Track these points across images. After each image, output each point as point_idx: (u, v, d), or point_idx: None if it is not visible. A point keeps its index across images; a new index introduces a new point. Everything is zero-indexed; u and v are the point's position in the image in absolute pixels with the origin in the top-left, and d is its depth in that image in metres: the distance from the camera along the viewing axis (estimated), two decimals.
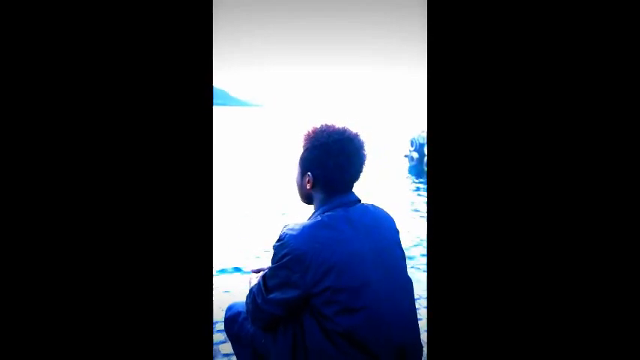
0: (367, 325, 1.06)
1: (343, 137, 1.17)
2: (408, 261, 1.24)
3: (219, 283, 2.69)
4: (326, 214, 1.16)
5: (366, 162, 1.22)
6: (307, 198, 1.27)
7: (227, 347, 1.75)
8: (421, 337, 1.23)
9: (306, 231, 1.10)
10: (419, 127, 10.11)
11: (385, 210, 1.26)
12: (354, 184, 1.24)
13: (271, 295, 1.14)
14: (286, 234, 1.11)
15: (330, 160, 1.16)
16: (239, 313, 1.39)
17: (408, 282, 1.20)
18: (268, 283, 1.15)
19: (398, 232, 1.24)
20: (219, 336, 1.88)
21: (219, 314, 1.70)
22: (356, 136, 1.20)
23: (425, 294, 2.54)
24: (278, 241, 1.13)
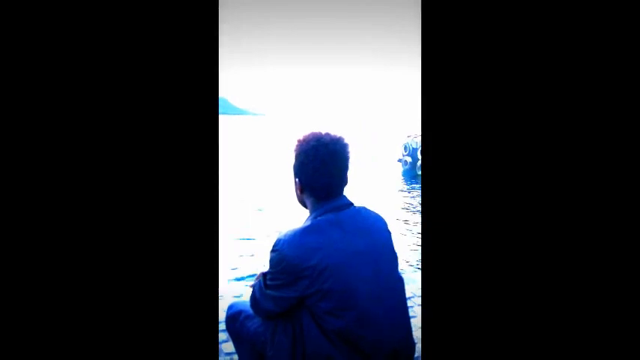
0: (357, 326, 1.11)
1: (319, 143, 1.22)
2: (402, 262, 1.28)
3: (225, 290, 2.71)
4: (317, 218, 1.21)
5: (348, 165, 1.25)
6: (303, 203, 1.33)
7: (229, 346, 1.81)
8: (414, 334, 1.26)
9: (297, 237, 1.16)
10: (414, 130, 10.08)
11: (377, 213, 1.31)
12: (345, 189, 1.28)
13: (269, 291, 1.20)
14: (279, 240, 1.17)
15: (309, 165, 1.22)
16: (240, 312, 1.44)
17: (399, 282, 1.24)
18: (267, 282, 1.22)
19: (390, 233, 1.28)
20: (221, 335, 1.93)
21: (221, 314, 1.76)
22: (333, 140, 1.24)
23: (417, 292, 2.58)
24: (273, 247, 1.19)
